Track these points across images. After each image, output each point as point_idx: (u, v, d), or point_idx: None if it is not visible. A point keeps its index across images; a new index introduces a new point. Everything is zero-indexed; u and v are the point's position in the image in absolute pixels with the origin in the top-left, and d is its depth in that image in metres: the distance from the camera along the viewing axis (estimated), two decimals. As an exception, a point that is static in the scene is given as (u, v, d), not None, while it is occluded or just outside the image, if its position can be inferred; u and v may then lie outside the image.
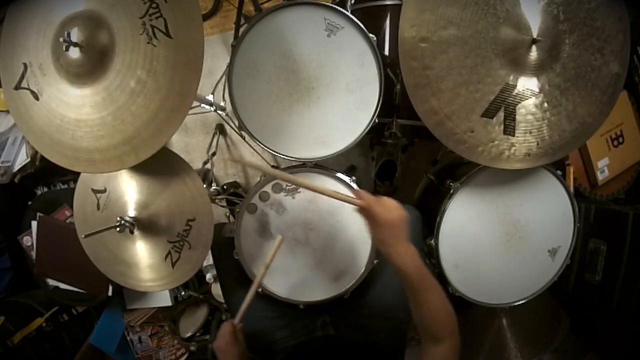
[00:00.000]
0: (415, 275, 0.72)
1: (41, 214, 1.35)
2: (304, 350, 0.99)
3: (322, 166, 1.01)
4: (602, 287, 1.19)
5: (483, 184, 1.00)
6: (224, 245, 1.04)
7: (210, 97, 1.25)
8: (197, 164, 1.57)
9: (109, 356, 1.54)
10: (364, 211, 0.75)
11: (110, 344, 1.51)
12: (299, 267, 1.01)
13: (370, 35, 0.91)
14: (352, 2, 1.03)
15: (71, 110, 0.80)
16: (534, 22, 0.81)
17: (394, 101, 1.03)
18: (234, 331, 0.83)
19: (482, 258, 1.03)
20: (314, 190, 0.80)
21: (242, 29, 0.95)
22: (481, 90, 0.84)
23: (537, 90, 0.84)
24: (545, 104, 0.85)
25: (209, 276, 1.47)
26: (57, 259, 1.33)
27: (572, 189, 1.18)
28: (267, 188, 0.99)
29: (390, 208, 0.74)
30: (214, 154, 1.52)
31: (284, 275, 1.01)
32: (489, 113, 0.85)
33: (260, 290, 1.01)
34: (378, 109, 0.94)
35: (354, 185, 0.97)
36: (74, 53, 0.76)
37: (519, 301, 1.07)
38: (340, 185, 0.99)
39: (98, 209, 0.94)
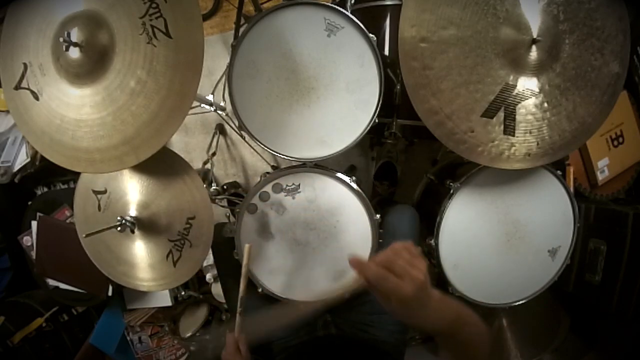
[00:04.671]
0: (454, 321, 0.56)
1: (41, 214, 1.35)
2: (305, 350, 0.99)
3: (322, 166, 1.01)
4: (602, 287, 1.19)
5: (483, 184, 1.00)
6: (224, 245, 1.04)
7: (210, 97, 1.25)
8: (197, 164, 1.56)
9: (109, 356, 1.54)
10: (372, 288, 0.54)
11: (110, 344, 1.51)
12: (299, 267, 1.01)
13: (370, 35, 0.91)
14: (352, 2, 1.03)
15: (71, 110, 0.80)
16: (534, 22, 0.81)
17: (394, 101, 1.03)
18: (235, 342, 0.83)
19: (482, 258, 1.03)
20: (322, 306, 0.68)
21: (242, 29, 0.95)
22: (481, 90, 0.84)
23: (537, 90, 0.84)
24: (545, 104, 0.85)
25: (209, 276, 1.48)
26: (57, 259, 1.33)
27: (572, 189, 1.18)
28: (268, 188, 0.99)
29: (410, 273, 0.50)
30: (214, 154, 1.52)
31: (284, 276, 1.01)
32: (489, 113, 0.85)
33: (260, 290, 1.01)
34: (378, 109, 0.94)
35: (354, 185, 0.98)
36: (74, 53, 0.75)
37: (519, 301, 1.06)
38: (339, 185, 0.99)
39: (99, 210, 0.95)
